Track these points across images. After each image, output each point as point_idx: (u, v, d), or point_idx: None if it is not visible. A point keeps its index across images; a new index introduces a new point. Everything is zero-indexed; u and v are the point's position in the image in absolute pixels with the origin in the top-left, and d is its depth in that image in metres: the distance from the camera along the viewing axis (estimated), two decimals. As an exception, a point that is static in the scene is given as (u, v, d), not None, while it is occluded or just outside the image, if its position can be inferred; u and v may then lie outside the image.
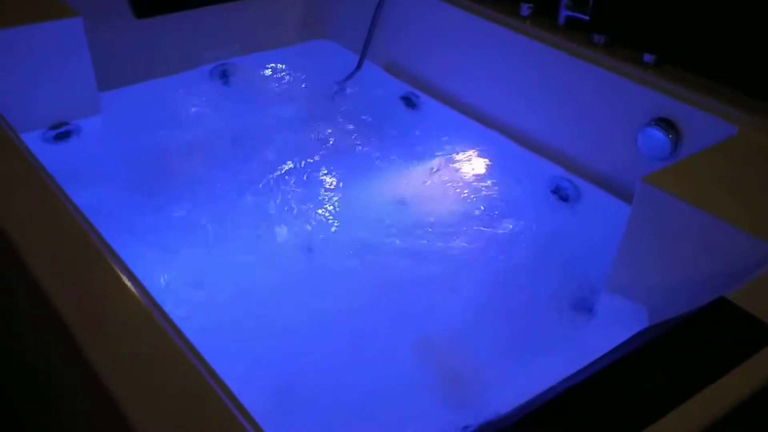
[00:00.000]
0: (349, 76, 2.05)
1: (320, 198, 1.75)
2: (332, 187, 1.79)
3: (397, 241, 1.63)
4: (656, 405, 0.79)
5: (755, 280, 0.98)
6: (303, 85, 2.12)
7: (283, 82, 2.12)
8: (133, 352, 0.81)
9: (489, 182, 1.73)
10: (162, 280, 1.48)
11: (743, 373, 0.82)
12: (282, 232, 1.65)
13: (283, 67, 2.14)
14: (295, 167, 1.84)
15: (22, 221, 0.99)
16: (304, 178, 1.81)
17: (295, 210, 1.71)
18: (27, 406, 1.23)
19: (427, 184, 1.79)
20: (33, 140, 1.58)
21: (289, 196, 1.74)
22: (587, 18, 1.55)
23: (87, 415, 0.91)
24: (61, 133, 1.66)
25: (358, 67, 2.03)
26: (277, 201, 1.73)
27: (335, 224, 1.67)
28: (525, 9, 1.66)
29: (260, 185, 1.78)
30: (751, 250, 1.03)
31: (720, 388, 0.80)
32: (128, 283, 0.90)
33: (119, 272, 0.92)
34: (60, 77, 1.61)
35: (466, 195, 1.73)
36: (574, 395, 0.82)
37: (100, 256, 0.94)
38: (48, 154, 1.56)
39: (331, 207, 1.72)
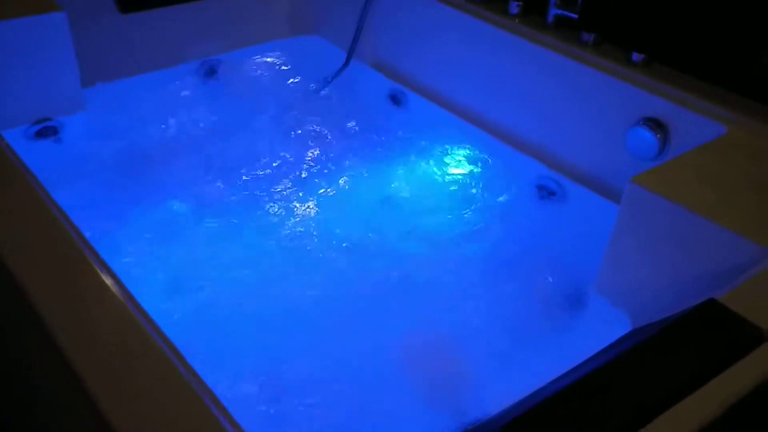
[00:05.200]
0: (337, 73, 2.03)
1: (305, 195, 1.74)
2: (318, 183, 1.77)
3: (383, 239, 1.62)
4: (646, 408, 0.78)
5: (745, 282, 0.97)
6: (289, 81, 2.11)
7: (269, 77, 2.11)
8: (114, 353, 0.80)
9: (476, 180, 1.73)
10: (145, 277, 1.46)
11: (733, 376, 0.81)
12: (267, 228, 1.64)
13: (270, 62, 2.12)
14: (280, 163, 1.83)
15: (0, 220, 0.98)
16: (290, 174, 1.80)
17: (281, 206, 1.70)
18: (8, 410, 1.21)
19: (414, 181, 1.78)
20: (15, 137, 1.56)
21: (275, 193, 1.73)
22: (576, 16, 1.55)
23: (68, 418, 0.90)
24: (44, 129, 1.64)
25: (346, 64, 2.02)
26: (263, 197, 1.72)
27: (320, 222, 1.66)
28: (514, 7, 1.65)
29: (245, 181, 1.76)
30: (741, 252, 1.02)
31: (710, 391, 0.80)
32: (109, 283, 0.89)
33: (100, 272, 0.90)
34: (43, 73, 1.58)
35: (452, 193, 1.73)
36: (563, 398, 0.82)
37: (81, 255, 0.93)
38: (31, 151, 1.55)
39: (317, 204, 1.71)
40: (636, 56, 1.46)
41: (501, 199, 1.66)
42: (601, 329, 1.18)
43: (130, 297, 0.87)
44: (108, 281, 0.89)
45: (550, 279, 1.45)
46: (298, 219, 1.67)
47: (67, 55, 1.60)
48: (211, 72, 2.02)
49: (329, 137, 1.92)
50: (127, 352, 0.80)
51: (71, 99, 1.65)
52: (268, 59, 2.12)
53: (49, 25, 1.55)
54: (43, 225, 0.98)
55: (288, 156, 1.85)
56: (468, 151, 1.77)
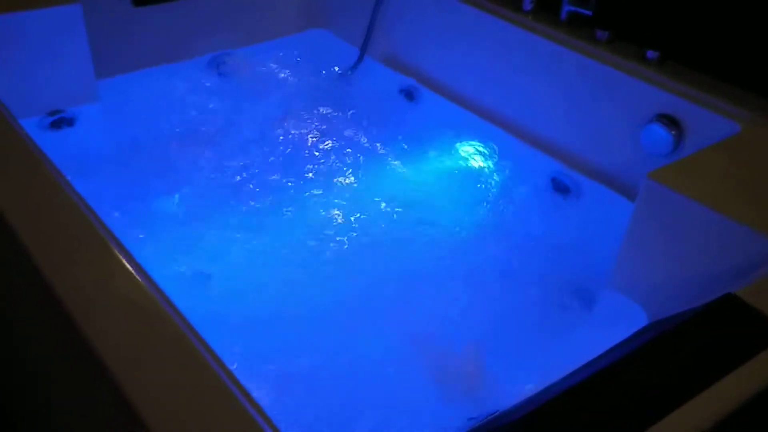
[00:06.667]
0: (351, 69, 2.03)
1: (316, 189, 1.74)
2: (329, 179, 1.78)
3: (395, 235, 1.62)
4: (662, 402, 0.78)
5: (762, 277, 0.97)
6: (300, 76, 2.11)
7: (280, 72, 2.11)
8: (138, 338, 0.80)
9: (489, 176, 1.73)
10: (159, 265, 1.46)
11: (751, 370, 0.82)
12: (276, 221, 1.64)
13: (281, 57, 2.12)
14: (291, 158, 1.83)
15: (23, 207, 0.98)
16: (301, 168, 1.80)
17: (291, 201, 1.70)
18: (22, 396, 1.22)
19: (426, 177, 1.78)
20: (30, 127, 1.55)
21: (285, 186, 1.74)
22: (590, 13, 1.55)
23: (86, 400, 0.90)
24: (59, 120, 1.65)
25: (360, 59, 2.02)
26: (273, 190, 1.72)
27: (330, 216, 1.66)
28: (527, 3, 1.66)
29: (256, 174, 1.77)
30: (756, 247, 1.03)
31: (727, 386, 0.80)
32: (132, 270, 0.89)
33: (123, 259, 0.91)
34: (58, 64, 1.59)
35: (465, 188, 1.73)
36: (579, 392, 0.82)
37: (103, 242, 0.93)
38: (45, 141, 1.54)
39: (328, 198, 1.71)
40: (650, 53, 1.46)
41: (514, 195, 1.66)
42: (616, 324, 1.18)
43: (153, 283, 0.88)
44: (131, 268, 0.89)
45: (564, 274, 1.45)
46: (308, 212, 1.67)
47: (81, 46, 1.61)
48: (222, 66, 2.02)
49: (341, 132, 1.93)
50: (151, 339, 0.80)
51: (85, 90, 1.66)
52: (279, 54, 2.12)
53: (65, 16, 1.56)
54: (64, 213, 0.98)
55: (299, 151, 1.86)
56: (481, 147, 1.77)
